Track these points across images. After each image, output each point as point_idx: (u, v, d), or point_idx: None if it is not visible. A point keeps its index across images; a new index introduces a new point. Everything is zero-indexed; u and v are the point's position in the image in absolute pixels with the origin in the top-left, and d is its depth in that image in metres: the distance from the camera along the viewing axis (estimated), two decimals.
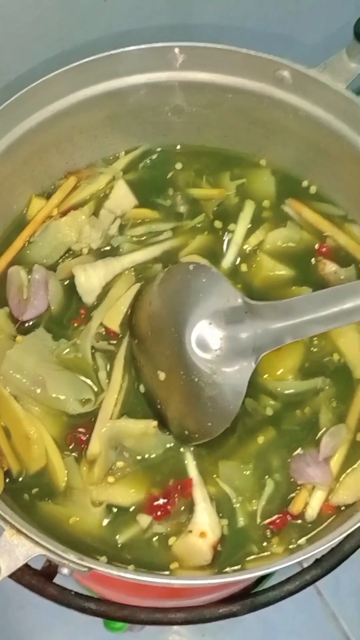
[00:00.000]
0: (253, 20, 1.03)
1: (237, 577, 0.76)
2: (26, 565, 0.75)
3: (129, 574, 0.73)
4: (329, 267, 0.95)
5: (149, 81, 0.93)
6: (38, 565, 0.81)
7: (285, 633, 1.38)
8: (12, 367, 0.86)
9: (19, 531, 0.71)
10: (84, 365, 0.89)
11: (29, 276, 0.92)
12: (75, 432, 0.86)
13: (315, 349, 0.91)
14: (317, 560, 0.82)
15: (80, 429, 0.86)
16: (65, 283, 0.93)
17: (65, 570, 0.71)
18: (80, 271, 0.92)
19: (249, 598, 0.82)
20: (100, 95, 0.93)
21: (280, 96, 0.93)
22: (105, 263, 0.93)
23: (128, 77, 0.92)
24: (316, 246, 0.97)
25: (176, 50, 0.91)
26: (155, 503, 0.84)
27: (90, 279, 0.92)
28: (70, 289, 0.93)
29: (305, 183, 1.01)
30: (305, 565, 0.83)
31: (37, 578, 0.80)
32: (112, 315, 0.91)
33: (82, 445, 0.86)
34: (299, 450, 0.87)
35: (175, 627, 1.38)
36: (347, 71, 0.89)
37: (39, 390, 0.86)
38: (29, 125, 0.90)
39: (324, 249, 0.97)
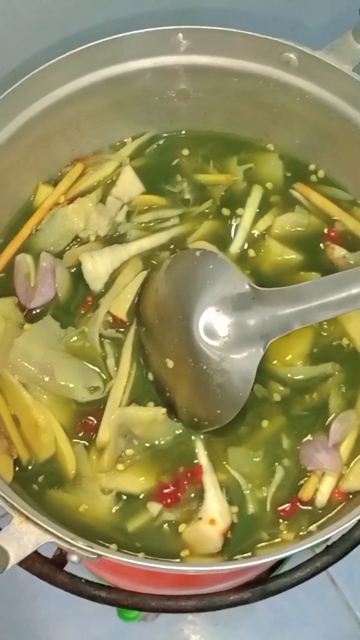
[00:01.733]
0: (258, 5, 1.02)
1: (247, 564, 0.76)
2: (37, 554, 0.75)
3: (138, 562, 0.73)
4: (338, 252, 0.95)
5: (154, 65, 0.93)
6: (49, 554, 0.81)
7: (298, 623, 1.38)
8: (20, 355, 0.86)
9: (27, 518, 0.70)
10: (92, 353, 0.89)
11: (36, 264, 0.92)
12: (84, 419, 0.86)
13: (324, 334, 0.91)
14: (327, 547, 0.82)
15: (89, 417, 0.86)
16: (73, 270, 0.93)
17: (74, 558, 0.71)
18: (87, 258, 0.91)
19: (259, 585, 0.81)
20: (105, 81, 0.92)
21: (286, 79, 0.92)
22: (112, 250, 0.93)
23: (132, 61, 0.92)
24: (325, 231, 0.97)
25: (180, 33, 0.90)
26: (165, 490, 0.84)
27: (97, 266, 0.91)
28: (78, 277, 0.92)
29: (312, 167, 1.00)
30: (317, 551, 0.83)
31: (48, 566, 0.80)
32: (119, 303, 0.91)
33: (91, 433, 0.86)
34: (308, 437, 0.87)
35: (190, 617, 1.39)
36: (353, 53, 0.88)
37: (47, 378, 0.86)
38: (34, 112, 0.89)
39: (332, 234, 0.96)
